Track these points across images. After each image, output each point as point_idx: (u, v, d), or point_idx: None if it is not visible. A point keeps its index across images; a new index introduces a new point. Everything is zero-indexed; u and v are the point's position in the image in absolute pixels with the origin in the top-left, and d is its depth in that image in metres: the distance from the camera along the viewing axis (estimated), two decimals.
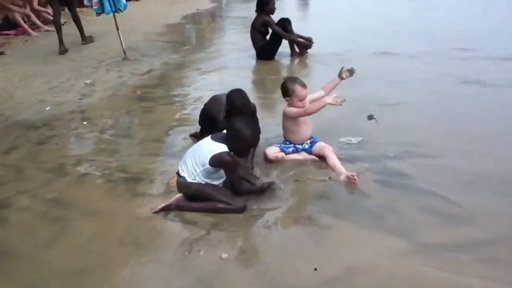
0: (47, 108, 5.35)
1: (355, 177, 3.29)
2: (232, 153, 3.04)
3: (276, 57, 7.40)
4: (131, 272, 2.55)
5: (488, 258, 2.50)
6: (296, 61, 7.37)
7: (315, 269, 2.45)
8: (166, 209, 3.08)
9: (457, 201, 3.03)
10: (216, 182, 3.18)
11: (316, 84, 5.87)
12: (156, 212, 3.07)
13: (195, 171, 3.08)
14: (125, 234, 2.88)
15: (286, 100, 3.71)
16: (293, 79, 3.72)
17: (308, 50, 7.45)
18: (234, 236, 2.78)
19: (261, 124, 3.93)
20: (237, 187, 3.07)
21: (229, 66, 7.24)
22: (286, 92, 3.67)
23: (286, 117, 3.78)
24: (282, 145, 3.83)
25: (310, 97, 3.76)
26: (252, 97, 5.32)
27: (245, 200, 3.10)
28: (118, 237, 2.85)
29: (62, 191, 3.45)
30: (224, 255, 2.58)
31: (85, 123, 4.87)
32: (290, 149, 3.79)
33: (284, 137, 3.88)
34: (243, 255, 2.61)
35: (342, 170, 3.40)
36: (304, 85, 3.66)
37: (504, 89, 5.34)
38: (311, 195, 3.22)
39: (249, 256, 2.60)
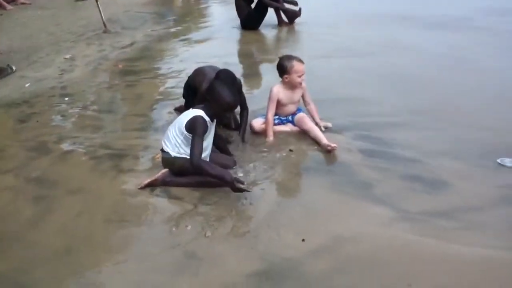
0: (27, 85, 5.21)
1: (334, 147, 3.29)
2: (213, 120, 3.03)
3: (262, 26, 7.25)
4: (119, 248, 2.53)
5: (473, 224, 2.54)
6: (284, 30, 7.24)
7: (303, 240, 2.46)
8: (152, 185, 3.05)
9: (440, 168, 3.06)
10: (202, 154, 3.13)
11: (306, 55, 5.81)
12: (141, 188, 3.03)
13: (177, 141, 3.02)
14: (111, 211, 2.85)
15: (284, 79, 3.57)
16: (289, 56, 3.58)
17: (297, 20, 7.30)
18: (221, 210, 2.77)
19: (247, 95, 3.88)
20: (193, 155, 2.81)
21: (214, 37, 7.10)
22: (284, 70, 3.54)
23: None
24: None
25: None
26: (238, 68, 5.29)
27: (231, 174, 3.06)
28: (104, 214, 2.82)
29: (46, 170, 3.39)
30: (208, 234, 2.56)
31: (66, 99, 4.76)
32: (276, 121, 3.75)
33: None
34: (231, 229, 2.60)
35: (323, 142, 3.38)
36: (301, 61, 3.56)
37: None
38: (296, 167, 3.21)
39: (237, 230, 2.59)
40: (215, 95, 2.98)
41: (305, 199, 2.85)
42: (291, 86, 3.60)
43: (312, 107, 3.76)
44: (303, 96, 3.73)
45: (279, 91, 3.63)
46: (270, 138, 3.58)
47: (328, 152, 3.31)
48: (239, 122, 3.81)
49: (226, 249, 2.45)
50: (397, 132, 3.60)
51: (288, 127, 3.75)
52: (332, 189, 2.92)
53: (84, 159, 3.50)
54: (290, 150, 3.39)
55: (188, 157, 3.02)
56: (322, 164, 3.23)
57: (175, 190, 3.02)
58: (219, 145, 3.40)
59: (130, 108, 4.46)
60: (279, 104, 3.68)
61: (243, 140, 3.63)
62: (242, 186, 2.84)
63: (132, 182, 3.12)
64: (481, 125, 3.65)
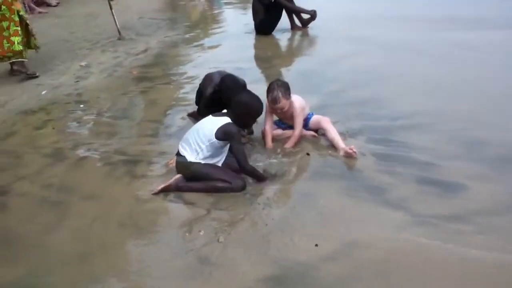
0: (43, 92, 5.30)
1: (354, 151, 3.25)
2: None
3: (275, 31, 7.26)
4: (133, 254, 2.55)
5: (488, 228, 2.49)
6: (298, 34, 7.24)
7: (316, 245, 2.45)
8: (165, 190, 3.07)
9: (455, 171, 3.02)
10: (217, 159, 3.15)
11: (319, 59, 5.84)
12: (155, 194, 3.06)
13: (199, 147, 3.05)
14: (125, 217, 2.88)
15: None
16: (271, 90, 3.42)
17: (310, 24, 7.28)
18: (234, 215, 2.77)
19: None
20: (242, 161, 3.03)
21: (227, 42, 7.12)
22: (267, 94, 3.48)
23: None
24: (276, 121, 3.78)
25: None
26: (251, 73, 5.30)
27: (244, 179, 3.07)
28: (118, 220, 2.85)
29: (61, 176, 3.43)
30: (221, 239, 2.56)
31: (81, 106, 4.82)
32: (283, 126, 3.75)
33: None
34: (243, 234, 2.60)
35: (341, 145, 3.37)
36: (275, 101, 3.40)
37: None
38: (309, 171, 3.19)
39: (250, 235, 2.59)
40: (242, 107, 3.05)
41: (319, 203, 2.83)
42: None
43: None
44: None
45: (272, 108, 3.55)
46: (269, 145, 3.54)
47: (347, 156, 3.28)
48: None
49: (239, 254, 2.45)
50: (411, 135, 3.56)
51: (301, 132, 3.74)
52: (345, 194, 2.90)
53: (98, 165, 3.54)
54: (307, 154, 3.38)
55: (202, 162, 3.06)
56: (336, 169, 3.21)
57: (188, 196, 3.03)
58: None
59: (144, 114, 4.50)
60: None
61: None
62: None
63: (146, 187, 3.15)
64: (500, 127, 3.58)
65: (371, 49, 5.97)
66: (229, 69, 5.47)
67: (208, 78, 3.88)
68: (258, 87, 4.48)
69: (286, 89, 3.44)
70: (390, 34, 6.62)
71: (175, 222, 2.77)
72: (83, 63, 6.35)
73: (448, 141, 3.41)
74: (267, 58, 6.15)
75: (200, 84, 3.97)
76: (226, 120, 3.03)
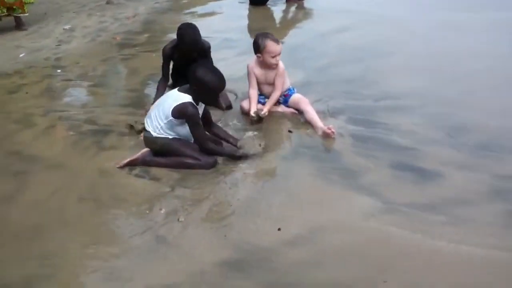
0: (21, 55, 5.11)
1: (332, 131, 3.11)
2: (198, 103, 2.89)
3: (270, 2, 6.99)
4: (89, 230, 2.45)
5: (463, 220, 2.35)
6: (293, 7, 6.97)
7: (279, 229, 2.34)
8: (131, 164, 2.95)
9: (434, 157, 2.88)
10: (183, 137, 3.01)
11: (311, 33, 5.62)
12: (121, 167, 2.94)
13: (159, 124, 2.91)
14: (87, 190, 2.76)
15: (258, 57, 3.41)
16: (265, 34, 3.38)
17: None
18: (199, 194, 2.65)
19: (243, 74, 3.72)
20: (201, 143, 2.89)
21: (219, 11, 6.88)
22: (257, 48, 3.36)
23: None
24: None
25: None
26: (238, 44, 5.10)
27: (214, 156, 2.94)
28: (79, 193, 2.74)
29: (27, 143, 3.31)
30: (182, 218, 2.45)
31: (59, 71, 4.65)
32: (261, 100, 3.57)
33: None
34: (206, 214, 2.48)
35: (319, 124, 3.22)
36: (276, 41, 3.34)
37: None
38: (284, 151, 3.06)
39: (212, 216, 2.47)
40: (198, 83, 2.84)
41: (288, 185, 2.70)
42: (265, 65, 3.41)
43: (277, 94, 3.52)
44: (274, 80, 3.48)
45: (253, 67, 3.47)
46: (253, 111, 3.38)
47: (325, 136, 3.15)
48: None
49: (197, 236, 2.34)
50: (394, 117, 3.40)
51: (280, 108, 3.59)
52: (318, 176, 2.77)
53: (67, 134, 3.40)
54: (290, 131, 3.24)
55: (170, 136, 2.92)
56: (311, 149, 3.07)
57: (154, 171, 2.91)
58: (216, 131, 3.25)
59: (122, 82, 4.34)
60: (258, 83, 3.53)
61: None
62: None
63: (112, 160, 3.02)
64: (486, 113, 3.43)
65: (366, 25, 5.71)
66: (218, 39, 5.32)
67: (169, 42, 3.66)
68: (243, 59, 4.34)
69: None
70: (389, 11, 6.35)
71: (136, 198, 2.65)
72: (67, 27, 6.13)
73: (430, 125, 3.26)
74: (258, 30, 5.89)
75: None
76: (186, 98, 2.84)
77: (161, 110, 2.91)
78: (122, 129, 3.42)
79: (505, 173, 2.70)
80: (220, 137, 3.18)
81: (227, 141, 3.14)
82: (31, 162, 3.07)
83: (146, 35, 5.77)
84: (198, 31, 3.45)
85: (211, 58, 3.69)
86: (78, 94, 4.09)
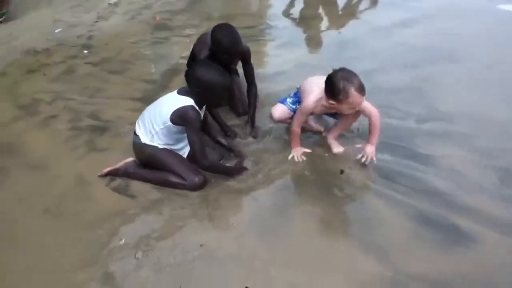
0: (57, 31, 4.96)
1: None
2: (201, 107, 2.53)
3: None
4: (36, 250, 2.17)
5: None
6: None
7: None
8: (112, 174, 2.62)
9: (469, 212, 2.25)
10: (177, 147, 2.62)
11: (367, 28, 4.87)
12: (101, 176, 2.61)
13: (154, 129, 2.53)
14: (55, 201, 2.48)
15: (329, 103, 2.48)
16: (349, 76, 2.38)
17: None
18: (169, 224, 2.26)
19: (262, 69, 3.23)
20: (198, 155, 2.46)
21: None
22: (335, 94, 2.40)
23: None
24: (292, 99, 2.90)
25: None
26: (280, 35, 4.56)
27: (204, 176, 2.52)
28: (47, 203, 2.46)
29: (21, 135, 3.09)
30: (139, 255, 2.07)
31: (85, 51, 4.42)
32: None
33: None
34: (167, 255, 2.08)
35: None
36: (363, 90, 2.40)
37: None
38: (287, 182, 2.56)
39: (174, 257, 2.07)
40: (198, 84, 2.42)
41: (277, 231, 2.21)
42: (331, 108, 2.58)
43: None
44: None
45: (312, 108, 2.64)
46: (297, 153, 2.76)
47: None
48: (248, 104, 3.19)
49: (149, 281, 1.96)
50: (436, 146, 2.76)
51: (320, 125, 3.08)
52: (318, 222, 2.27)
53: (63, 127, 3.15)
54: (341, 172, 2.63)
55: (160, 146, 2.54)
56: (320, 184, 2.53)
57: (135, 185, 2.57)
58: (213, 135, 2.86)
59: (142, 70, 4.00)
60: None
61: (252, 129, 3.04)
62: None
63: (98, 164, 2.69)
64: None
65: (435, 20, 4.88)
66: (256, 29, 4.81)
67: (201, 40, 3.20)
68: (281, 52, 3.84)
69: None
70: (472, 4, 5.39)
71: (103, 219, 2.32)
72: (112, 1, 5.91)
73: (480, 164, 2.58)
74: (310, 17, 5.30)
75: (193, 46, 3.33)
76: (187, 101, 2.43)
77: (157, 113, 2.52)
78: (122, 128, 3.09)
79: None
80: (218, 141, 2.84)
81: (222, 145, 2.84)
82: (15, 157, 2.86)
83: (188, 16, 5.37)
84: (236, 31, 2.89)
85: (252, 65, 3.19)
86: (93, 81, 3.82)
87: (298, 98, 2.87)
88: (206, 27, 5.00)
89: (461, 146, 2.77)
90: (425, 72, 3.73)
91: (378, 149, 2.78)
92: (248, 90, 3.19)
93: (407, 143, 2.82)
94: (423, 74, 3.68)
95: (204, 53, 3.04)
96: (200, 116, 2.46)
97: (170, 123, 2.45)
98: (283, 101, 2.95)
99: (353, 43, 4.44)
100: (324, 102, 2.55)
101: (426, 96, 3.35)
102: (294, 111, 2.85)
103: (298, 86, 2.90)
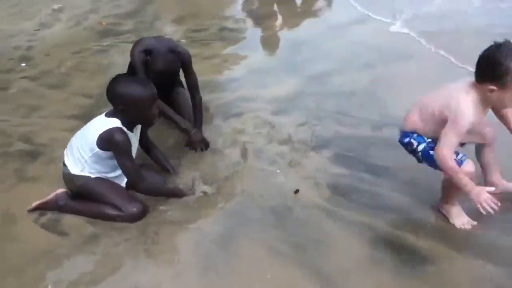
0: None
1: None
2: (133, 127, 2.31)
3: None
4: None
5: None
6: None
7: None
8: (42, 208, 2.36)
9: (425, 230, 2.10)
10: (113, 174, 2.38)
11: (323, 27, 4.69)
12: (30, 211, 2.36)
13: (83, 157, 2.29)
14: None
15: (490, 90, 1.85)
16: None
17: None
18: (104, 263, 2.04)
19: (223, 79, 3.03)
20: (133, 179, 2.26)
21: None
22: (503, 73, 1.79)
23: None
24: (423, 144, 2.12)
25: None
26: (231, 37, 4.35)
27: (143, 205, 2.30)
28: None
29: None
30: None
31: (23, 64, 4.11)
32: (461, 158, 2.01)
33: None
34: None
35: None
36: None
37: None
38: (236, 204, 2.38)
39: None
40: (123, 100, 2.20)
41: (218, 265, 2.03)
42: (490, 104, 1.96)
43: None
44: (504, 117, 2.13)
45: (475, 113, 1.93)
46: (483, 197, 1.87)
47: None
48: (194, 118, 2.97)
49: None
50: (392, 156, 2.58)
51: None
52: (265, 247, 2.10)
53: None
54: (296, 192, 2.44)
55: (93, 175, 2.31)
56: (267, 208, 2.35)
57: (67, 220, 2.32)
58: (155, 156, 2.64)
59: (83, 83, 3.72)
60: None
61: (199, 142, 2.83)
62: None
63: (28, 196, 2.43)
64: None
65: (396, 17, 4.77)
66: (208, 32, 4.58)
67: (136, 43, 2.91)
68: (235, 56, 3.69)
69: None
70: None
71: (28, 261, 2.06)
72: (56, 6, 5.54)
73: (439, 175, 2.45)
74: (265, 16, 5.11)
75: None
76: (114, 122, 2.20)
77: (84, 140, 2.29)
78: (56, 152, 2.82)
79: None
80: (158, 161, 2.63)
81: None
82: None
83: (136, 20, 5.10)
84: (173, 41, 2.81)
85: (194, 73, 2.97)
86: (29, 98, 3.52)
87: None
88: (158, 30, 4.77)
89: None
90: (381, 72, 3.61)
91: (332, 162, 2.65)
92: (192, 100, 2.98)
93: (361, 155, 2.68)
94: (379, 75, 3.56)
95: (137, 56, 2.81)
96: (127, 137, 2.22)
97: (97, 149, 2.22)
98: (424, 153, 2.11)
99: (308, 43, 4.30)
100: (477, 97, 1.90)
101: (381, 99, 3.22)
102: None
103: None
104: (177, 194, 2.43)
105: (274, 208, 2.35)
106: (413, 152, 2.17)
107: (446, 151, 1.92)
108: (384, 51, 3.96)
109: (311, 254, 2.05)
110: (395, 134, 2.79)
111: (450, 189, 2.08)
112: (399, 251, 2.03)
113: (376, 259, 2.00)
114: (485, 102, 1.92)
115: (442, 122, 1.97)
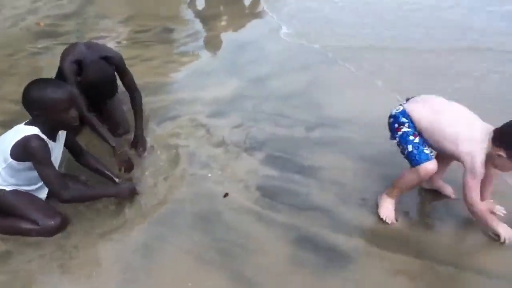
0: None
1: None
2: (56, 134, 2.19)
3: None
4: None
5: None
6: None
7: None
8: None
9: (346, 230, 2.12)
10: (31, 187, 2.26)
11: (266, 27, 4.65)
12: None
13: None
14: None
15: (498, 155, 1.94)
16: None
17: None
18: (13, 283, 1.93)
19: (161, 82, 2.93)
20: (54, 189, 2.13)
21: None
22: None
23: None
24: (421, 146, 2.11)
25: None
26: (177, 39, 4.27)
27: (62, 218, 2.20)
28: None
29: None
30: None
31: None
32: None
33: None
34: None
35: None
36: None
37: None
38: (167, 213, 2.32)
39: None
40: (37, 105, 2.06)
41: (148, 279, 1.97)
42: (491, 160, 2.02)
43: None
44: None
45: (482, 166, 2.00)
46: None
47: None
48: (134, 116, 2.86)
49: None
50: (323, 155, 2.66)
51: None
52: (193, 264, 2.03)
53: None
54: (225, 195, 2.41)
55: (8, 188, 2.18)
56: (197, 213, 2.31)
57: None
58: (93, 165, 2.49)
59: (12, 88, 3.53)
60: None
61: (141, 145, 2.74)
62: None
63: None
64: None
65: (350, 14, 4.80)
66: (151, 33, 4.47)
67: (70, 49, 2.81)
68: (176, 58, 3.64)
69: None
70: None
71: None
72: None
73: (367, 174, 2.48)
74: (211, 17, 5.04)
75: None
76: (30, 130, 2.08)
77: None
78: None
79: None
80: (97, 170, 2.47)
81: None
82: None
83: (76, 21, 4.91)
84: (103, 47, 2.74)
85: (130, 73, 2.87)
86: None
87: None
88: (99, 31, 4.62)
89: (347, 155, 2.66)
90: (320, 73, 3.63)
91: (263, 164, 2.63)
92: (132, 101, 2.88)
93: (293, 156, 2.68)
94: (317, 76, 3.57)
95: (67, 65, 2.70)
96: (45, 144, 2.11)
97: (11, 159, 2.10)
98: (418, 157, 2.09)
99: (251, 45, 4.27)
100: (486, 150, 1.98)
101: (317, 100, 3.24)
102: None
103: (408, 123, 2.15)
104: (106, 191, 2.34)
105: (203, 213, 2.31)
106: (394, 130, 2.19)
107: (475, 197, 2.02)
108: (319, 52, 3.99)
109: (235, 259, 2.03)
110: (328, 134, 2.86)
111: (403, 186, 2.17)
112: (322, 251, 2.05)
113: (299, 259, 2.01)
114: (489, 156, 1.99)
115: (452, 153, 2.06)
